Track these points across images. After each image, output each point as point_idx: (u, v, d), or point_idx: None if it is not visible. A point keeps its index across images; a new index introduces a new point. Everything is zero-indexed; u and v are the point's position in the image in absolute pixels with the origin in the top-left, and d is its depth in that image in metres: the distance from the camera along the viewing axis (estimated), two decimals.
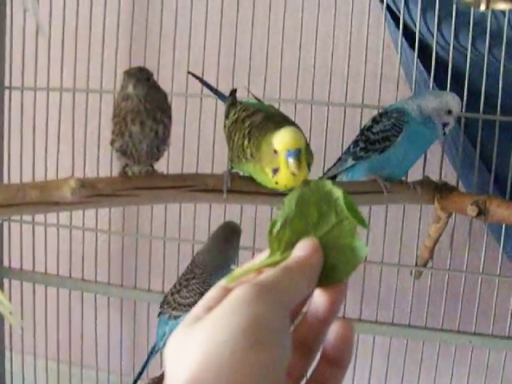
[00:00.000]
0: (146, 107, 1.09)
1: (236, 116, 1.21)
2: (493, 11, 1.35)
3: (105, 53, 1.58)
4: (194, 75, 1.35)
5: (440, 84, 1.42)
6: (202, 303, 0.47)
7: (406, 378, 1.56)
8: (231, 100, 1.27)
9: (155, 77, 1.44)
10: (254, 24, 1.49)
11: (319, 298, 0.50)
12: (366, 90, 1.45)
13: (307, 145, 1.08)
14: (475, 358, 1.51)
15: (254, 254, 1.52)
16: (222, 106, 1.49)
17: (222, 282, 0.49)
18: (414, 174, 1.40)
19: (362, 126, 1.38)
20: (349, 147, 1.36)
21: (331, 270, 0.50)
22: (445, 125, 1.29)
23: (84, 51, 1.57)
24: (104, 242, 1.67)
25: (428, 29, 1.41)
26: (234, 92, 1.28)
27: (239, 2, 1.49)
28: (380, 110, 1.38)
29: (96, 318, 1.69)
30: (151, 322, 1.64)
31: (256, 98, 1.30)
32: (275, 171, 1.06)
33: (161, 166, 1.24)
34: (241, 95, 1.31)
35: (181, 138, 1.51)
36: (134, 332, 1.70)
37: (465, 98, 1.39)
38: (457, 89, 1.39)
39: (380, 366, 1.57)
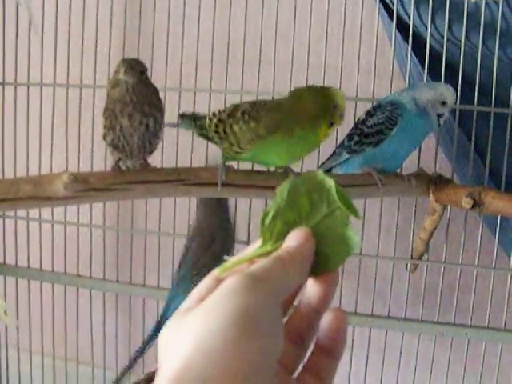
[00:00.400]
0: (132, 99, 1.09)
1: (217, 117, 1.20)
2: (486, 2, 1.35)
3: (98, 48, 1.57)
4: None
5: (434, 76, 1.41)
6: (194, 294, 0.48)
7: (402, 370, 1.56)
8: (192, 115, 1.26)
9: (149, 72, 1.46)
10: (247, 18, 1.48)
11: (312, 288, 0.51)
12: (360, 84, 1.45)
13: None
14: (471, 350, 1.51)
15: None
16: (215, 101, 1.50)
17: (214, 273, 0.50)
18: (409, 167, 1.39)
19: (357, 119, 1.37)
20: (343, 141, 1.35)
21: (323, 260, 0.50)
22: (439, 116, 1.28)
23: (77, 46, 1.56)
24: (99, 238, 1.67)
25: (422, 21, 1.41)
26: (182, 115, 1.27)
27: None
28: (374, 103, 1.38)
29: (91, 314, 1.68)
30: (147, 318, 1.63)
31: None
32: (331, 124, 1.15)
33: (155, 160, 1.24)
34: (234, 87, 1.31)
35: (174, 132, 1.50)
36: (130, 328, 1.69)
37: (459, 90, 1.39)
38: (451, 81, 1.39)
39: (376, 358, 1.57)
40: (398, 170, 1.37)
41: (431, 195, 1.32)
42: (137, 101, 1.10)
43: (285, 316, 0.51)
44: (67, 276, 1.65)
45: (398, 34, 1.43)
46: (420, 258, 1.44)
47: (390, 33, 1.44)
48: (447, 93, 1.28)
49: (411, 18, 1.39)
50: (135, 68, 1.10)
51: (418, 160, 1.40)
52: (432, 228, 1.38)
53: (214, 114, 1.22)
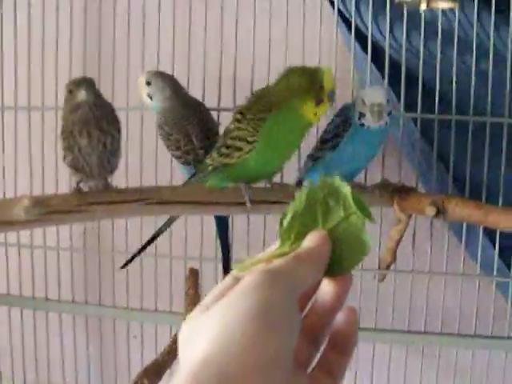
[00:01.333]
0: (94, 114, 1.09)
1: (216, 152, 1.24)
2: (443, 11, 1.36)
3: (58, 70, 1.56)
4: None
5: (394, 86, 1.42)
6: (212, 293, 0.50)
7: (376, 381, 1.56)
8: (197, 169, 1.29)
9: (111, 92, 1.45)
10: (206, 35, 1.48)
11: (327, 289, 0.53)
12: None
13: None
14: (443, 357, 1.51)
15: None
16: None
17: (233, 273, 0.52)
18: (373, 177, 1.40)
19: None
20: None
21: (338, 262, 0.53)
22: (361, 114, 1.28)
23: (37, 69, 1.55)
24: (66, 260, 1.64)
25: (380, 32, 1.42)
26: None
27: (191, 9, 1.49)
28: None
29: (62, 338, 1.66)
30: (117, 339, 1.62)
31: None
32: (319, 102, 1.19)
33: (120, 180, 1.24)
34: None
35: (138, 150, 1.50)
36: (101, 349, 1.68)
37: (419, 99, 1.40)
38: (411, 90, 1.40)
39: (348, 370, 1.56)
40: (363, 182, 1.37)
41: (395, 205, 1.33)
42: (99, 115, 1.10)
43: (301, 314, 0.52)
44: (36, 300, 1.63)
45: (358, 45, 1.44)
46: (388, 267, 1.44)
47: (349, 44, 1.45)
48: (367, 91, 1.30)
49: (369, 30, 1.40)
50: (91, 87, 1.10)
51: (381, 170, 1.41)
52: (398, 237, 1.38)
53: (210, 155, 1.25)
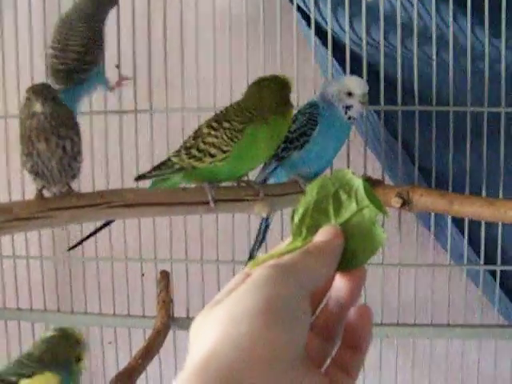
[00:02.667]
0: (51, 124, 1.08)
1: (183, 150, 1.24)
2: (402, 3, 1.37)
3: (20, 77, 1.54)
4: None
5: None
6: (225, 288, 0.49)
7: None
8: (156, 170, 1.28)
9: None
10: (166, 35, 1.47)
11: (340, 284, 0.52)
12: None
13: None
14: (418, 348, 1.51)
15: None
16: (140, 122, 1.49)
17: (245, 269, 0.51)
18: None
19: None
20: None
21: (351, 256, 0.52)
22: (347, 107, 1.29)
23: None
24: (36, 268, 1.63)
25: (340, 26, 1.42)
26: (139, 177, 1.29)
27: (151, 11, 1.48)
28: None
29: None
30: (91, 346, 1.61)
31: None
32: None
33: (87, 185, 1.23)
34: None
35: (104, 154, 1.49)
36: None
37: (382, 91, 1.40)
38: (374, 83, 1.40)
39: None
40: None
41: None
42: (55, 124, 1.09)
43: (314, 312, 0.52)
44: (7, 310, 1.62)
45: (318, 40, 1.44)
46: None
47: (309, 40, 1.45)
48: (352, 83, 1.29)
49: (329, 24, 1.40)
50: (49, 97, 1.08)
51: (347, 163, 1.41)
52: None
53: (177, 151, 1.25)
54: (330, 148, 1.32)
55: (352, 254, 0.52)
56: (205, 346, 0.43)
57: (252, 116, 1.20)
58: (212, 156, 1.21)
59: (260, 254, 0.52)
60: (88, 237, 1.38)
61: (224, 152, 1.20)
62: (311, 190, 0.54)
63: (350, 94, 1.28)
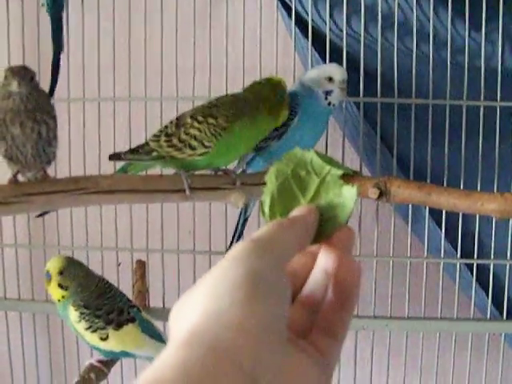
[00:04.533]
0: (26, 107, 1.06)
1: (163, 136, 1.22)
2: None
3: None
4: None
5: None
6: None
7: None
8: (129, 152, 1.25)
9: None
10: (146, 23, 1.46)
11: (327, 254, 0.52)
12: None
13: None
14: (394, 341, 1.51)
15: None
16: (119, 109, 1.48)
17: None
18: None
19: None
20: None
21: (329, 222, 0.52)
22: (327, 93, 1.29)
23: None
24: (11, 257, 1.61)
25: (320, 17, 1.42)
26: (117, 156, 1.27)
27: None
28: None
29: (8, 336, 1.63)
30: (66, 335, 1.60)
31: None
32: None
33: (64, 172, 1.21)
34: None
35: (81, 141, 1.48)
36: (50, 347, 1.65)
37: (361, 84, 1.40)
38: (353, 74, 1.40)
39: None
40: None
41: None
42: (31, 108, 1.07)
43: (299, 290, 0.52)
44: None
45: (298, 31, 1.44)
46: None
47: (290, 30, 1.44)
48: (332, 69, 1.30)
49: (309, 15, 1.40)
50: (26, 77, 1.07)
51: (325, 154, 1.40)
52: None
53: (156, 136, 1.23)
54: (308, 137, 1.31)
55: (329, 219, 0.52)
56: (186, 325, 0.43)
57: (240, 114, 1.19)
58: (192, 149, 1.19)
59: None
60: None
61: (205, 147, 1.19)
62: (270, 178, 0.54)
63: (330, 80, 1.28)
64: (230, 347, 0.40)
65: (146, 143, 1.24)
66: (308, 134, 1.31)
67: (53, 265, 1.28)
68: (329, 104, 1.30)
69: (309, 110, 1.29)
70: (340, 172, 0.53)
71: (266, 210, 0.54)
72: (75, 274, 1.27)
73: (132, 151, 1.25)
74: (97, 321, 1.25)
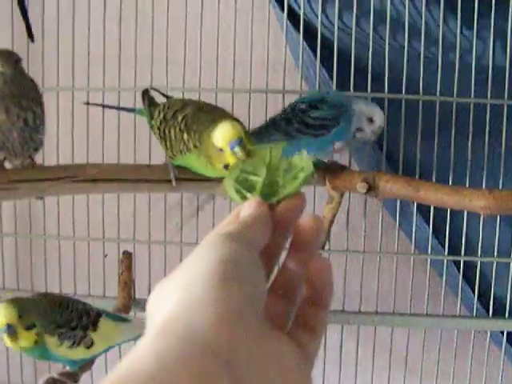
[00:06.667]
0: (11, 91, 1.06)
1: (163, 114, 1.19)
2: None
3: None
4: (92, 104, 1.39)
5: (327, 65, 1.42)
6: None
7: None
8: (148, 100, 1.26)
9: (40, 71, 1.42)
10: (138, 15, 1.46)
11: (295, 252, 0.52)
12: (254, 75, 1.44)
13: (245, 130, 1.10)
14: (379, 337, 1.51)
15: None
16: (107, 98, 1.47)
17: None
18: None
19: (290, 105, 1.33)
20: (275, 120, 1.32)
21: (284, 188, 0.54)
22: (359, 129, 1.29)
23: None
24: None
25: (312, 11, 1.41)
26: (146, 92, 1.27)
27: None
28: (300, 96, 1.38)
29: None
30: None
31: (163, 94, 1.29)
32: (226, 167, 1.08)
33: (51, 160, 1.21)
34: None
35: (70, 131, 1.47)
36: None
37: (352, 78, 1.39)
38: (344, 69, 1.40)
39: None
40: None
41: (327, 183, 1.32)
42: (14, 94, 1.06)
43: (269, 276, 0.51)
44: None
45: (290, 25, 1.43)
46: (322, 247, 1.43)
47: (282, 23, 1.44)
48: (377, 112, 1.29)
49: (302, 8, 1.39)
50: (10, 59, 1.06)
51: None
52: (331, 216, 1.37)
53: (163, 108, 1.21)
54: (312, 149, 1.30)
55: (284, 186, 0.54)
56: (161, 314, 0.42)
57: (195, 147, 1.13)
58: (166, 148, 1.19)
59: None
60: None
61: (173, 154, 1.18)
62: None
63: (370, 120, 1.28)
64: (203, 334, 0.40)
65: (158, 106, 1.23)
66: (331, 145, 1.31)
67: (8, 316, 1.11)
68: (353, 137, 1.30)
69: (343, 129, 1.28)
70: (278, 150, 0.56)
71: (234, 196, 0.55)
72: (30, 306, 1.16)
73: (150, 105, 1.25)
74: (75, 333, 1.19)
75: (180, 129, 1.15)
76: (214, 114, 1.14)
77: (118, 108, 1.40)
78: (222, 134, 1.06)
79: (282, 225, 0.52)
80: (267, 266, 0.50)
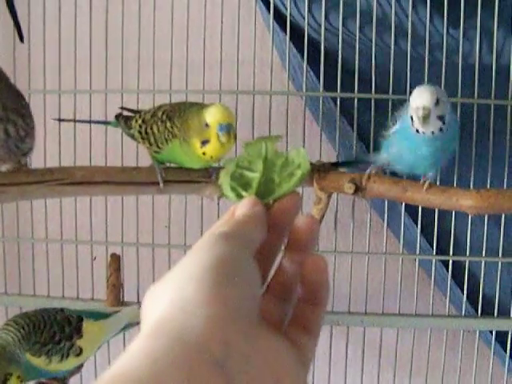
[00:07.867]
0: None
1: (142, 118, 1.23)
2: None
3: None
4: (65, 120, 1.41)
5: (314, 66, 1.42)
6: None
7: None
8: (123, 119, 1.29)
9: (26, 74, 1.42)
10: (124, 17, 1.45)
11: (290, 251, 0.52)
12: (241, 76, 1.43)
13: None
14: (368, 337, 1.51)
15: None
16: (95, 101, 1.47)
17: None
18: None
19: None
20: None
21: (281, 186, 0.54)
22: (411, 119, 1.14)
23: None
24: None
25: (299, 11, 1.41)
26: (120, 115, 1.31)
27: None
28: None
29: None
30: None
31: (133, 111, 1.32)
32: (204, 143, 1.12)
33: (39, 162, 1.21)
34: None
35: (57, 133, 1.46)
36: None
37: (339, 79, 1.39)
38: (331, 69, 1.40)
39: None
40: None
41: (315, 183, 1.32)
42: None
43: (265, 277, 0.52)
44: None
45: (277, 26, 1.43)
46: None
47: (268, 24, 1.44)
48: (415, 93, 1.13)
49: (288, 9, 1.39)
50: None
51: None
52: (319, 217, 1.37)
53: (140, 115, 1.24)
54: (409, 157, 1.22)
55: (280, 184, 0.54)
56: (154, 314, 0.42)
57: (178, 132, 1.17)
58: (150, 144, 1.21)
59: None
60: None
61: (158, 148, 1.20)
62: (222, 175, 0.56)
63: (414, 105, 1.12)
64: (196, 335, 0.40)
65: (133, 117, 1.26)
66: (408, 155, 1.21)
67: None
68: (417, 131, 1.14)
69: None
70: (273, 141, 0.55)
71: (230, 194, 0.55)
72: (8, 342, 1.12)
73: (125, 119, 1.28)
74: (61, 346, 1.17)
75: (162, 120, 1.18)
76: (196, 105, 1.19)
77: (93, 122, 1.41)
78: (216, 112, 1.11)
79: (278, 225, 0.52)
80: (263, 266, 0.50)
